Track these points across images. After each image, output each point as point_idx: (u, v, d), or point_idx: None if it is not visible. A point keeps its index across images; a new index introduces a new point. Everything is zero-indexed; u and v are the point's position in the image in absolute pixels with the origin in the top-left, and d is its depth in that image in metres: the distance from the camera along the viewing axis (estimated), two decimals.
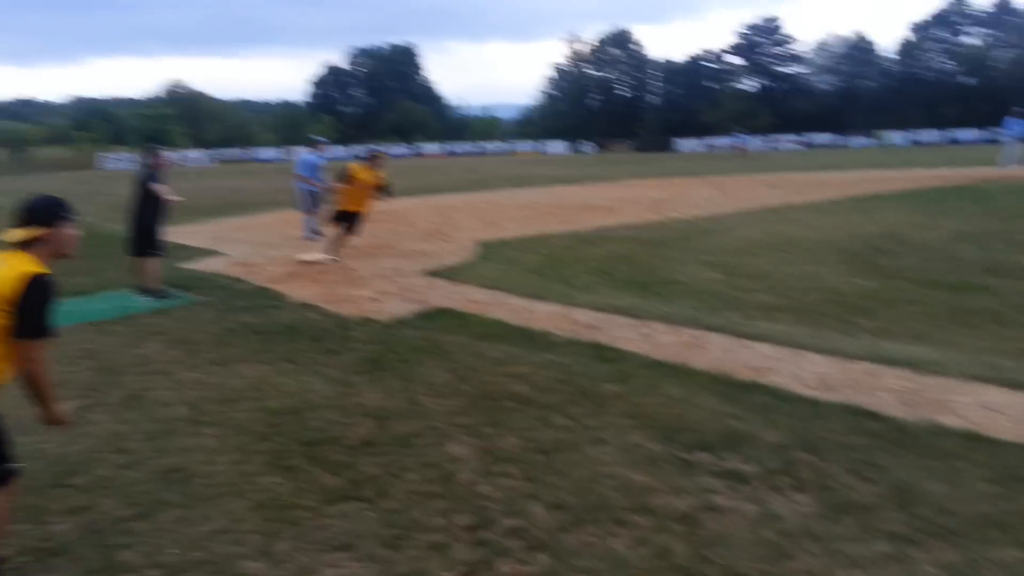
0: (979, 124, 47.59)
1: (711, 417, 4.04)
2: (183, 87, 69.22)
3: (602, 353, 5.29)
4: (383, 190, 9.53)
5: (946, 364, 4.79)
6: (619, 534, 2.91)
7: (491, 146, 63.45)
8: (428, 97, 79.88)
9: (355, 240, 9.65)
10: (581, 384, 4.62)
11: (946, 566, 2.63)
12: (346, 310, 6.74)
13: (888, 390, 4.40)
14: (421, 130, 67.60)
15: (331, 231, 9.52)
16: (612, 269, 8.75)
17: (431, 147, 61.32)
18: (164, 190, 7.51)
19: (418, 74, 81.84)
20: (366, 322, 6.30)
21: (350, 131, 65.28)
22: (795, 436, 3.77)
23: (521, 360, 5.14)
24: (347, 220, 9.37)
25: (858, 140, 52.82)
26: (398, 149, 57.94)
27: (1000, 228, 10.65)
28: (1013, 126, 22.74)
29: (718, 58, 71.58)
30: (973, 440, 3.64)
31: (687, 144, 58.06)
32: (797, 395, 4.35)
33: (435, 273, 8.46)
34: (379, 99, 76.71)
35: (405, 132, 66.11)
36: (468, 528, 2.97)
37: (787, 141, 54.34)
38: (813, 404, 4.20)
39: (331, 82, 78.48)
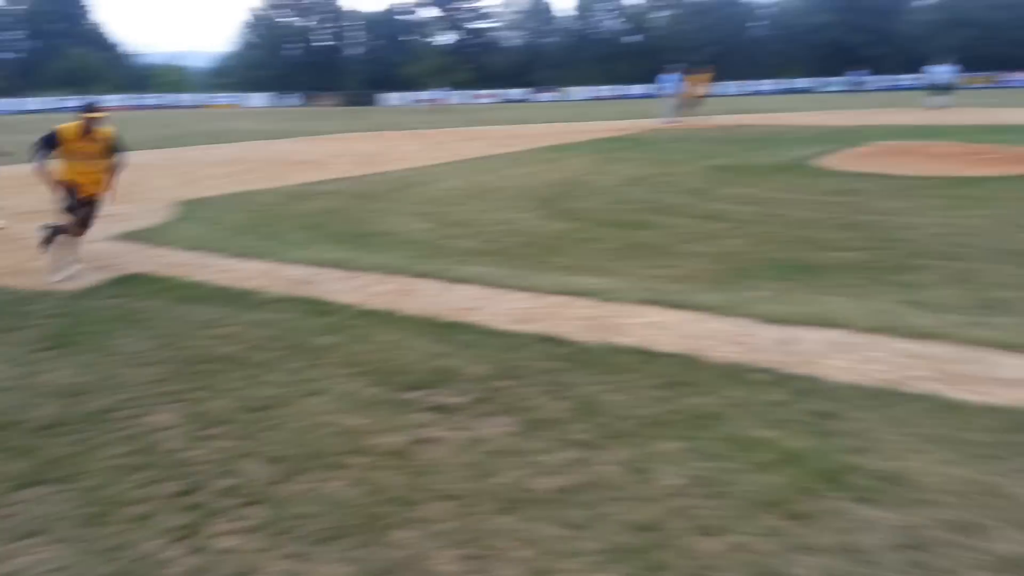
0: (644, 80, 53.60)
1: (422, 358, 4.26)
2: None
3: (315, 307, 5.28)
4: (114, 154, 6.70)
5: (621, 292, 5.47)
6: (336, 477, 3.00)
7: (185, 98, 58.40)
8: (102, 43, 71.09)
9: (88, 234, 6.75)
10: (294, 339, 4.60)
11: (622, 462, 3.07)
12: (20, 283, 5.97)
13: (575, 318, 4.94)
14: (96, 80, 59.95)
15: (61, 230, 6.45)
16: (323, 224, 8.67)
17: (114, 99, 54.84)
18: None
19: (85, 15, 72.35)
20: (48, 294, 5.64)
21: (12, 81, 56.10)
22: (497, 367, 4.11)
23: (229, 321, 4.97)
24: (76, 207, 6.40)
25: (545, 95, 56.95)
26: (73, 102, 51.05)
27: (661, 172, 12.24)
28: (666, 81, 26.07)
29: (411, 11, 72.34)
30: (642, 354, 4.22)
31: (392, 98, 58.38)
32: (499, 330, 4.72)
33: (130, 237, 7.78)
34: (43, 43, 66.82)
35: (78, 82, 58.26)
36: (176, 495, 2.87)
37: (484, 96, 56.88)
38: (512, 336, 4.59)
39: None
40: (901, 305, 4.92)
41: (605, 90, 57.28)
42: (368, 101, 57.87)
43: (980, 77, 48.13)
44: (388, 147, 19.01)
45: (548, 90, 58.60)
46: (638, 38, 66.45)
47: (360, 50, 73.47)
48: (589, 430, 3.35)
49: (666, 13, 67.59)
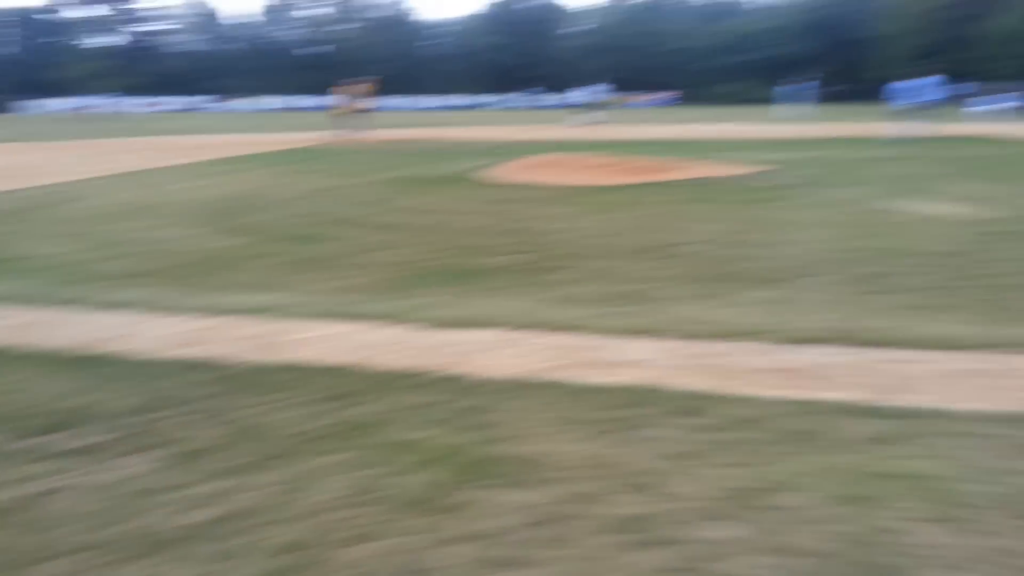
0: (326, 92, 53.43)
1: (52, 398, 3.76)
2: None
3: None
4: None
5: (292, 307, 5.34)
6: None
7: None
8: None
9: None
10: None
11: (278, 483, 2.96)
12: None
13: (240, 339, 4.71)
14: None
15: None
16: None
17: None
18: None
19: None
20: None
21: None
22: (146, 399, 3.76)
23: None
24: None
25: (227, 104, 54.23)
26: None
27: (337, 185, 12.27)
28: (343, 95, 26.50)
29: (56, 10, 64.38)
30: (306, 370, 4.14)
31: (39, 105, 51.52)
32: (150, 359, 4.34)
33: None
34: None
35: None
36: None
37: (157, 103, 52.58)
38: (166, 364, 4.24)
39: None
40: (549, 302, 5.42)
41: (289, 100, 55.92)
42: (7, 108, 50.35)
43: (624, 96, 55.07)
44: (29, 160, 16.69)
45: (230, 98, 55.78)
46: (327, 49, 65.90)
47: (11, 49, 63.60)
48: (245, 455, 3.20)
49: (354, 26, 67.97)
